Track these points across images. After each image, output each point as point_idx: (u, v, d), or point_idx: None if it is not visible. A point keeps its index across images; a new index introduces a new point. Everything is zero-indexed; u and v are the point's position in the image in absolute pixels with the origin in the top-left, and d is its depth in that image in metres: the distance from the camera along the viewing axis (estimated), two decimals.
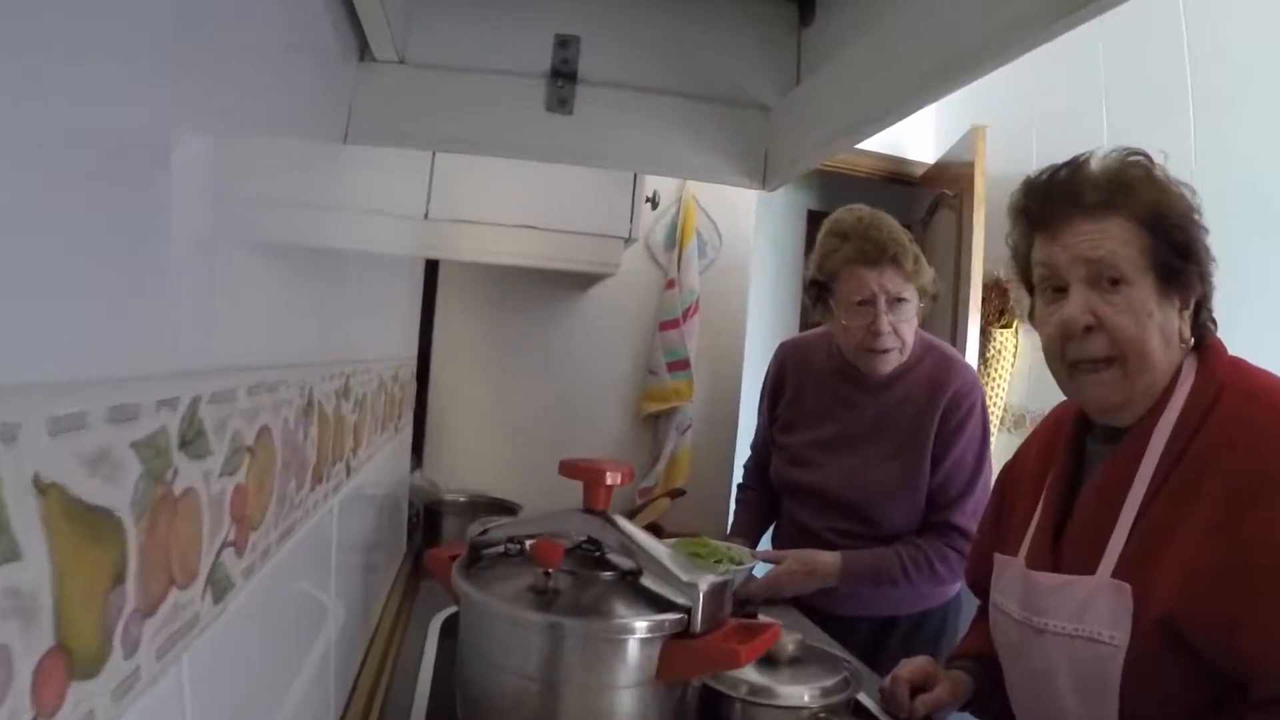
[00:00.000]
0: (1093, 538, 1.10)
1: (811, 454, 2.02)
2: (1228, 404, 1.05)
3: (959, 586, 2.01)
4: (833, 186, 5.34)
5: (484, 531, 1.12)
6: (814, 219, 5.82)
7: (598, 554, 1.06)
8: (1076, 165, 1.15)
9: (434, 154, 1.78)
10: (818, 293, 1.95)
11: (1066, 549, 1.16)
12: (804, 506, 2.03)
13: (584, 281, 2.73)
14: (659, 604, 0.97)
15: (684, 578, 0.96)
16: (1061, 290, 1.13)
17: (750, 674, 1.13)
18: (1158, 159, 1.14)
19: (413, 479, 2.26)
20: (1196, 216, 1.12)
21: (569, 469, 1.07)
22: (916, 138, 4.41)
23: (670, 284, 2.87)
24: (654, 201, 2.58)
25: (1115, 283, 1.08)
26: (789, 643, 1.17)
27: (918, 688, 1.32)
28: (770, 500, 2.20)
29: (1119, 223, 1.09)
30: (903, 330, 1.87)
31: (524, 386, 2.76)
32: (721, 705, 1.10)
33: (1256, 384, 1.08)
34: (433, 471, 2.58)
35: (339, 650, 1.06)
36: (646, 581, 1.02)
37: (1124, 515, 1.07)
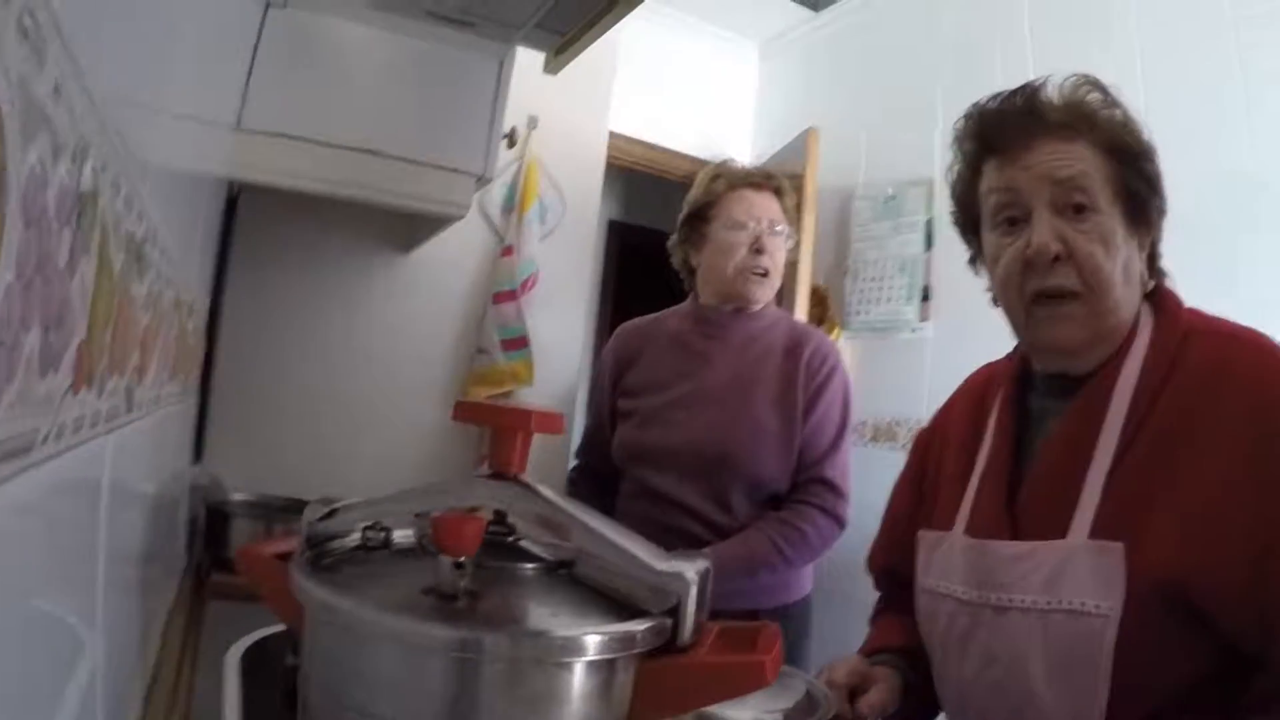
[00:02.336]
0: (1057, 497, 0.99)
1: (670, 413, 1.87)
2: (1202, 348, 0.99)
3: (810, 588, 1.94)
4: (639, 192, 5.14)
5: (328, 514, 0.78)
6: (615, 230, 5.49)
7: (511, 538, 0.75)
8: (1032, 88, 1.06)
9: (256, 44, 1.41)
10: (690, 229, 1.93)
11: (1024, 513, 1.03)
12: (664, 473, 1.84)
13: (411, 236, 2.37)
14: (616, 608, 0.68)
15: (658, 565, 0.66)
16: (1017, 222, 1.04)
17: None
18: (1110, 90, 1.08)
19: (191, 474, 1.84)
20: (1155, 153, 1.06)
21: (468, 411, 0.76)
22: (735, 141, 4.18)
23: (507, 251, 2.56)
24: (511, 139, 2.28)
25: (1081, 210, 1.01)
26: None
27: (854, 690, 1.13)
28: (606, 490, 2.00)
29: (1083, 147, 1.02)
30: (777, 260, 1.89)
31: (328, 363, 2.36)
32: None
33: (1224, 328, 1.02)
34: (215, 465, 2.12)
35: (106, 701, 0.69)
36: (585, 575, 0.72)
37: (1094, 470, 0.97)
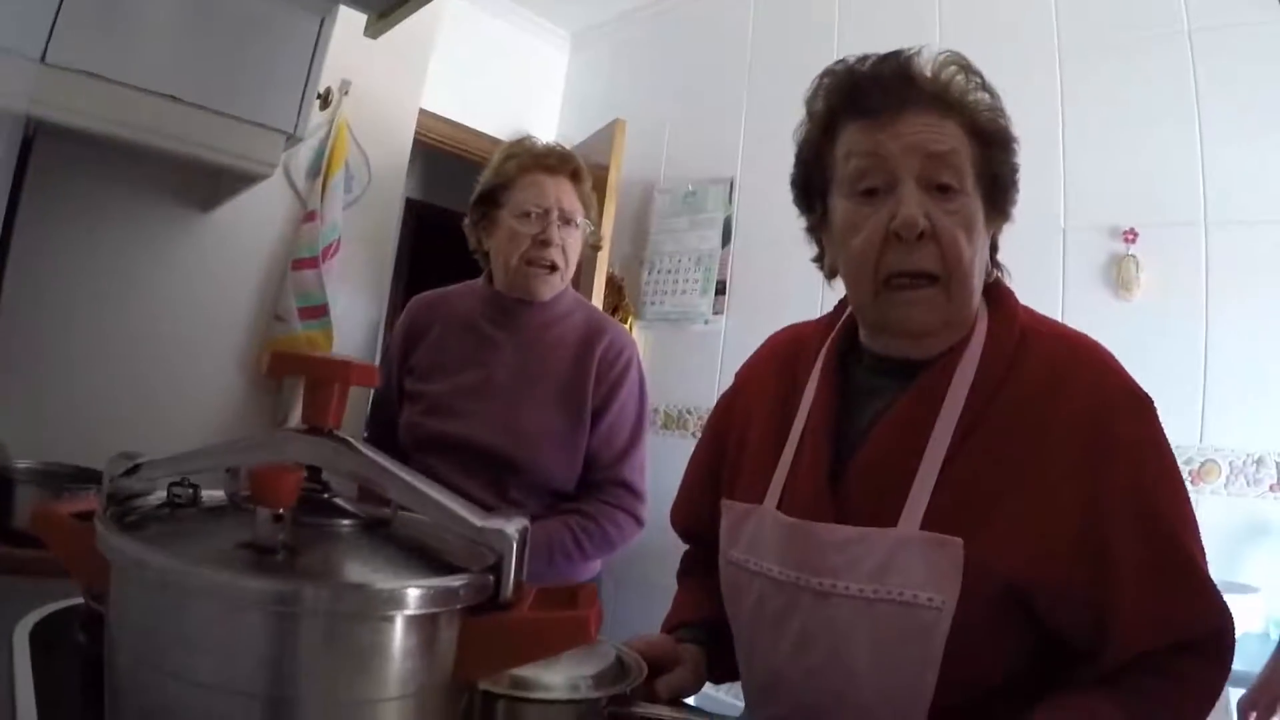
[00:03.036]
0: (887, 484, 0.94)
1: (455, 402, 1.77)
2: (1041, 350, 0.97)
3: (599, 568, 1.91)
4: (439, 170, 4.98)
5: (131, 469, 0.74)
6: (413, 209, 5.31)
7: (326, 495, 0.74)
8: (906, 56, 0.98)
9: None
10: (483, 211, 1.80)
11: (849, 497, 0.97)
12: (448, 463, 1.74)
13: (213, 194, 2.24)
14: (436, 566, 0.69)
15: (479, 522, 0.68)
16: (877, 192, 0.96)
17: None
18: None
19: None
20: (1016, 141, 1.02)
21: (283, 362, 0.75)
22: (542, 126, 4.23)
23: (310, 217, 2.47)
24: (325, 100, 2.18)
25: (948, 190, 0.94)
26: None
27: (656, 669, 1.04)
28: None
29: (953, 126, 0.96)
30: (569, 251, 1.77)
31: (122, 324, 2.20)
32: (482, 706, 0.82)
33: (1061, 330, 1.01)
34: None
35: None
36: (403, 534, 0.73)
37: (927, 461, 0.93)
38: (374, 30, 1.73)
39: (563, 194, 1.75)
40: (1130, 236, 2.48)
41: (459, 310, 1.85)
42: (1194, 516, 0.92)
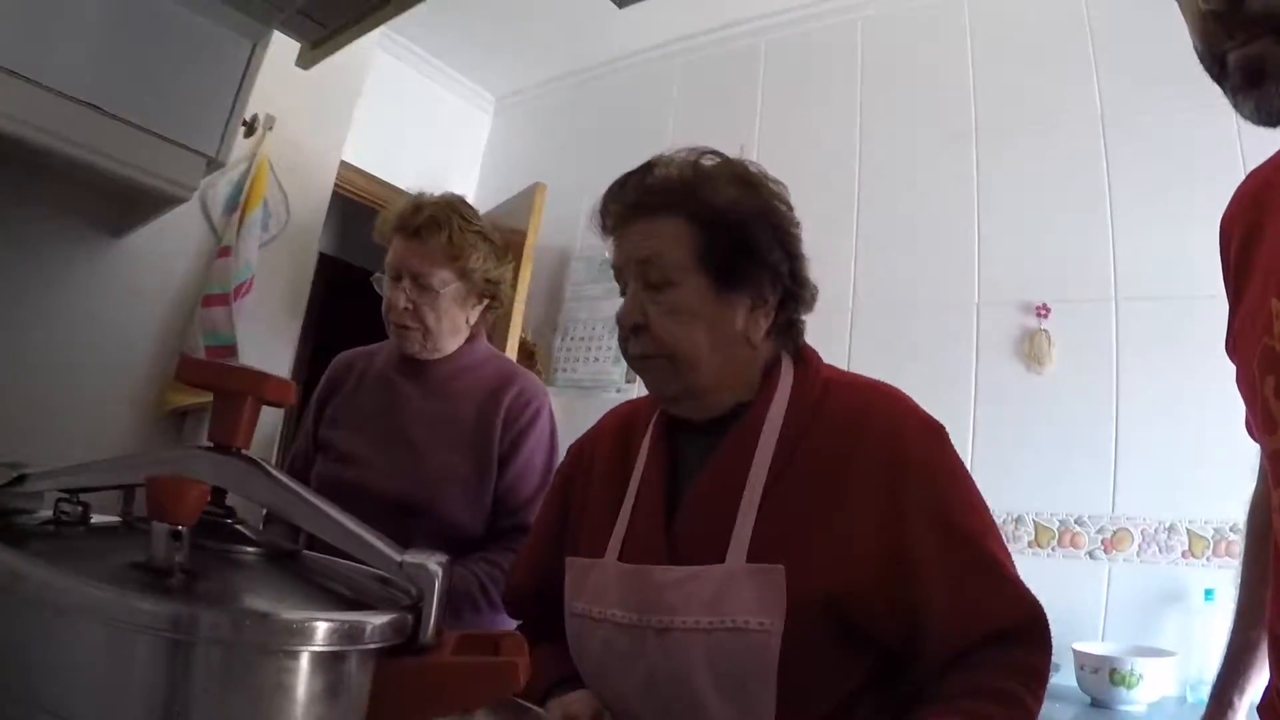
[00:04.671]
0: (712, 525, 1.06)
1: (360, 450, 1.76)
2: (842, 396, 1.12)
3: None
4: (354, 224, 4.66)
5: (15, 480, 0.67)
6: (325, 263, 5.25)
7: (230, 521, 0.68)
8: (643, 169, 1.17)
9: None
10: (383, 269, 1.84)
11: (680, 540, 1.09)
12: (353, 510, 1.65)
13: (124, 218, 2.14)
14: (346, 603, 0.64)
15: (398, 556, 0.63)
16: (624, 293, 1.16)
17: None
18: (736, 152, 1.20)
19: None
20: (779, 211, 1.15)
21: (193, 369, 0.69)
22: (461, 186, 4.17)
23: (224, 252, 2.39)
24: (250, 127, 2.11)
25: (660, 285, 1.11)
26: None
27: None
28: None
29: (672, 222, 1.11)
30: (424, 313, 1.73)
31: (15, 352, 2.06)
32: None
33: (860, 380, 1.17)
34: None
35: None
36: (312, 568, 0.67)
37: (745, 501, 1.05)
38: (306, 60, 1.70)
39: (411, 256, 1.72)
40: (1043, 311, 2.57)
41: (375, 364, 1.87)
42: (994, 523, 1.06)
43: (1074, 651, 2.10)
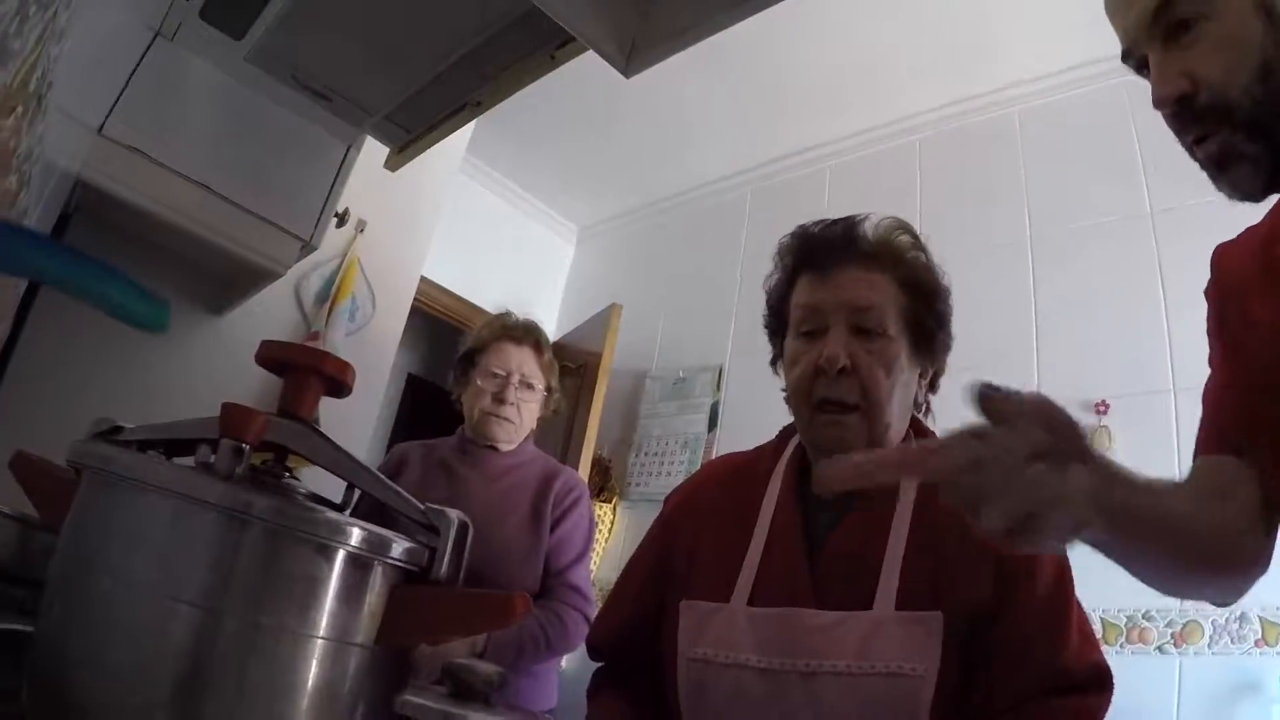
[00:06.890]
0: (858, 574, 1.08)
1: None
2: None
3: (555, 701, 2.07)
4: (441, 346, 5.09)
5: (111, 430, 0.81)
6: (413, 384, 5.52)
7: (288, 476, 0.80)
8: (853, 221, 1.22)
9: (136, 65, 1.48)
10: (462, 369, 2.16)
11: (824, 586, 1.10)
12: None
13: (225, 294, 2.36)
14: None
15: (421, 505, 0.75)
16: (815, 333, 1.17)
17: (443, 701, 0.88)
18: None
19: None
20: (948, 295, 1.23)
21: (271, 351, 0.82)
22: (543, 307, 4.48)
23: (314, 337, 2.59)
24: (342, 218, 2.34)
25: (871, 335, 1.14)
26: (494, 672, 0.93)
27: None
28: None
29: (885, 280, 1.16)
30: (524, 411, 2.10)
31: (118, 414, 2.19)
32: None
33: None
34: None
35: None
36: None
37: (889, 552, 1.08)
38: (393, 163, 1.91)
39: (524, 360, 2.11)
40: (1102, 408, 2.58)
41: (436, 452, 2.16)
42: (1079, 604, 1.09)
43: None
